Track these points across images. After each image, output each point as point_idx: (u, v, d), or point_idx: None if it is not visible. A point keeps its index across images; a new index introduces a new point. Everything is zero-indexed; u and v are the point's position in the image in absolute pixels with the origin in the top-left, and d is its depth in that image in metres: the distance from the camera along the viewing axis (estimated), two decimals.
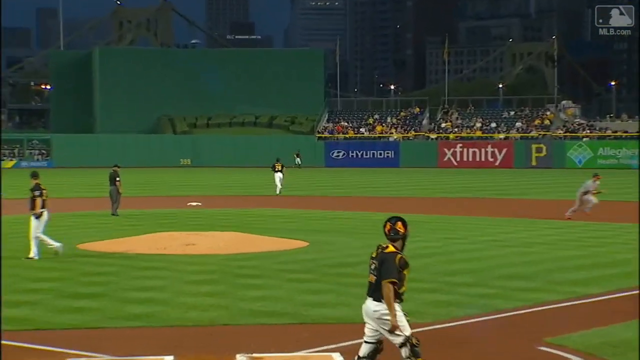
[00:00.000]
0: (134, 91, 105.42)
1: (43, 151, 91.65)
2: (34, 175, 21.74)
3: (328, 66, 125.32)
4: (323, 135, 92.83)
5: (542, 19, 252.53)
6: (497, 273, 18.86)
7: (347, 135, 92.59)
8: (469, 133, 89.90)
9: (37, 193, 21.14)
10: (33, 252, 21.01)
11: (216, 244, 22.94)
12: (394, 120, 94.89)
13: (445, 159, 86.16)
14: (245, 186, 55.40)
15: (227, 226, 28.56)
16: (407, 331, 9.66)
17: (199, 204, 39.16)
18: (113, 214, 33.30)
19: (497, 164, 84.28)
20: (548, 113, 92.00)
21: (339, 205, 39.67)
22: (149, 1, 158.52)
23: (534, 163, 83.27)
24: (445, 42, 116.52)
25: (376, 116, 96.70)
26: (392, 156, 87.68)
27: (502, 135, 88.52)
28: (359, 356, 9.98)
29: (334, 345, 12.29)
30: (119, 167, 35.21)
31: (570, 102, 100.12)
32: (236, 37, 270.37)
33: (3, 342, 11.72)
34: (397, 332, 9.59)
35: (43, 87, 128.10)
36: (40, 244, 21.15)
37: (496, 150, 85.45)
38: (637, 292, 16.22)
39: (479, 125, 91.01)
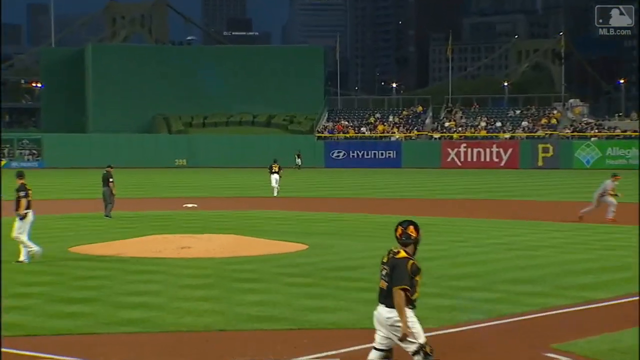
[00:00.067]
0: (127, 89, 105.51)
1: (34, 151, 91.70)
2: (20, 175, 21.76)
3: (328, 63, 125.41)
4: (323, 135, 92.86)
5: (549, 15, 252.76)
6: (502, 277, 18.86)
7: (347, 135, 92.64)
8: (473, 133, 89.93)
9: (22, 194, 21.13)
10: (23, 256, 21.01)
11: (212, 247, 22.93)
12: (396, 120, 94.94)
13: (449, 159, 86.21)
14: (243, 187, 55.42)
15: (224, 229, 28.55)
16: (421, 338, 9.62)
17: (195, 205, 39.16)
18: (106, 216, 33.31)
19: (502, 164, 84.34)
20: (555, 112, 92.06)
21: (339, 207, 39.67)
22: None
23: (540, 164, 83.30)
24: (448, 38, 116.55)
25: (377, 115, 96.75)
26: (394, 156, 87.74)
27: (507, 135, 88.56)
28: None
29: (334, 351, 12.29)
30: (112, 168, 35.23)
31: (578, 100, 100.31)
32: (233, 33, 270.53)
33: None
34: (411, 339, 9.55)
35: (34, 85, 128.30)
36: (21, 245, 21.09)
37: (501, 151, 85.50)
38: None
39: (483, 124, 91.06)
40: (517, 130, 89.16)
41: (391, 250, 9.84)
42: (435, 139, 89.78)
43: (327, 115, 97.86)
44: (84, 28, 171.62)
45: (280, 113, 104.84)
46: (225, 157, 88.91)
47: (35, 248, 21.16)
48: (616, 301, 16.27)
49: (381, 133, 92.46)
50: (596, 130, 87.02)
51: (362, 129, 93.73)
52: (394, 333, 9.63)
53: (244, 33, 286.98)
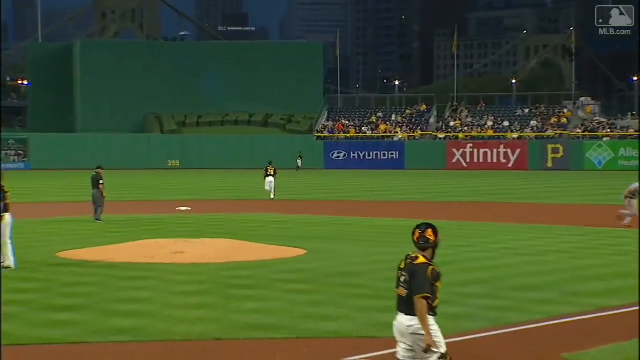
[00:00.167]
0: (118, 87, 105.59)
1: (20, 152, 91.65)
2: None
3: (328, 60, 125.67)
4: (322, 135, 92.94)
5: (559, 9, 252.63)
6: (510, 283, 18.89)
7: (348, 135, 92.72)
8: (480, 132, 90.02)
9: None
10: (10, 261, 20.96)
11: (207, 252, 22.95)
12: (399, 119, 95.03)
13: (454, 160, 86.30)
14: (239, 190, 55.46)
15: (219, 233, 28.58)
16: (443, 348, 9.58)
17: (189, 209, 39.19)
18: (96, 220, 33.31)
19: (510, 165, 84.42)
20: (565, 111, 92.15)
21: (339, 210, 39.69)
22: None
23: (550, 165, 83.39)
24: (454, 34, 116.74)
25: (380, 114, 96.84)
26: (397, 157, 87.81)
27: (515, 135, 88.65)
28: None
29: None
30: (102, 169, 35.20)
31: (589, 98, 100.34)
32: (228, 28, 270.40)
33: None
34: (433, 349, 9.46)
35: (20, 82, 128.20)
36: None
37: (509, 151, 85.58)
38: None
39: (490, 123, 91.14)
40: (525, 130, 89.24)
41: (409, 255, 9.74)
42: (440, 139, 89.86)
43: (326, 114, 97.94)
44: (72, 23, 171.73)
45: (277, 112, 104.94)
46: (220, 158, 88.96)
47: (11, 262, 20.88)
48: (629, 309, 16.27)
49: (383, 133, 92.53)
50: (608, 130, 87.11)
51: (363, 128, 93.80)
52: (419, 343, 9.49)
53: (240, 28, 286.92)
